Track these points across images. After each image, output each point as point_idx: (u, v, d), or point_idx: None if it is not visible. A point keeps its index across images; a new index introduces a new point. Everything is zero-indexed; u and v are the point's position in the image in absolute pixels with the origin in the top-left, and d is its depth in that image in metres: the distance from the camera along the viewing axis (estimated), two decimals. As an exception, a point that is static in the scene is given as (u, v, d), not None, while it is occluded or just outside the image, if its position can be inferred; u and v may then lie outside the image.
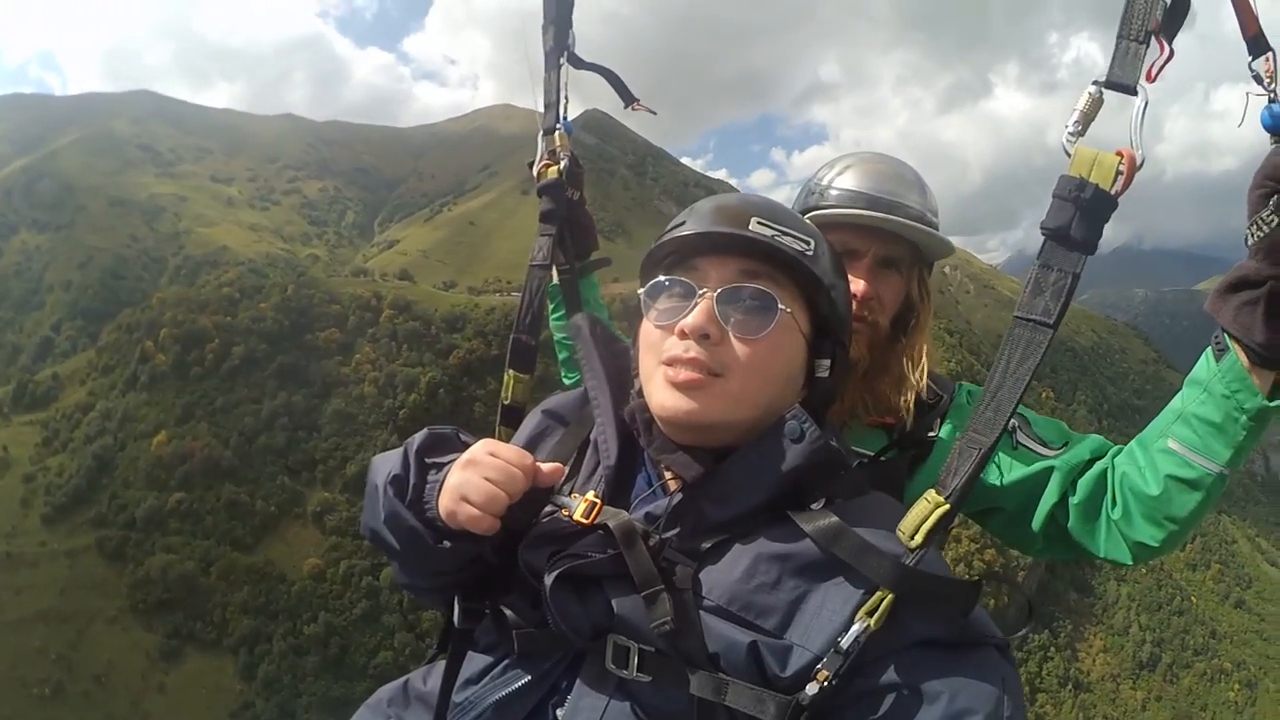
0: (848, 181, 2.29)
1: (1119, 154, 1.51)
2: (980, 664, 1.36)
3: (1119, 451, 2.06)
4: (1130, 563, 2.02)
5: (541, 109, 2.63)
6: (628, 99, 2.86)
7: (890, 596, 1.35)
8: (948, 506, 1.44)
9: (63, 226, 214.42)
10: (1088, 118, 1.56)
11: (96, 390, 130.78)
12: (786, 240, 1.54)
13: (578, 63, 2.64)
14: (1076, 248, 1.50)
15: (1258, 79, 1.59)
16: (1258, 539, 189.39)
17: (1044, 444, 2.15)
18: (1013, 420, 2.01)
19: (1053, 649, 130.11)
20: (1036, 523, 2.10)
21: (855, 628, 1.34)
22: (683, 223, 1.61)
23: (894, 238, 2.25)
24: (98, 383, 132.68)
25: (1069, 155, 1.54)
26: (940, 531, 1.44)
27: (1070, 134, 1.56)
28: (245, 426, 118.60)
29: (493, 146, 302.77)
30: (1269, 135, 1.60)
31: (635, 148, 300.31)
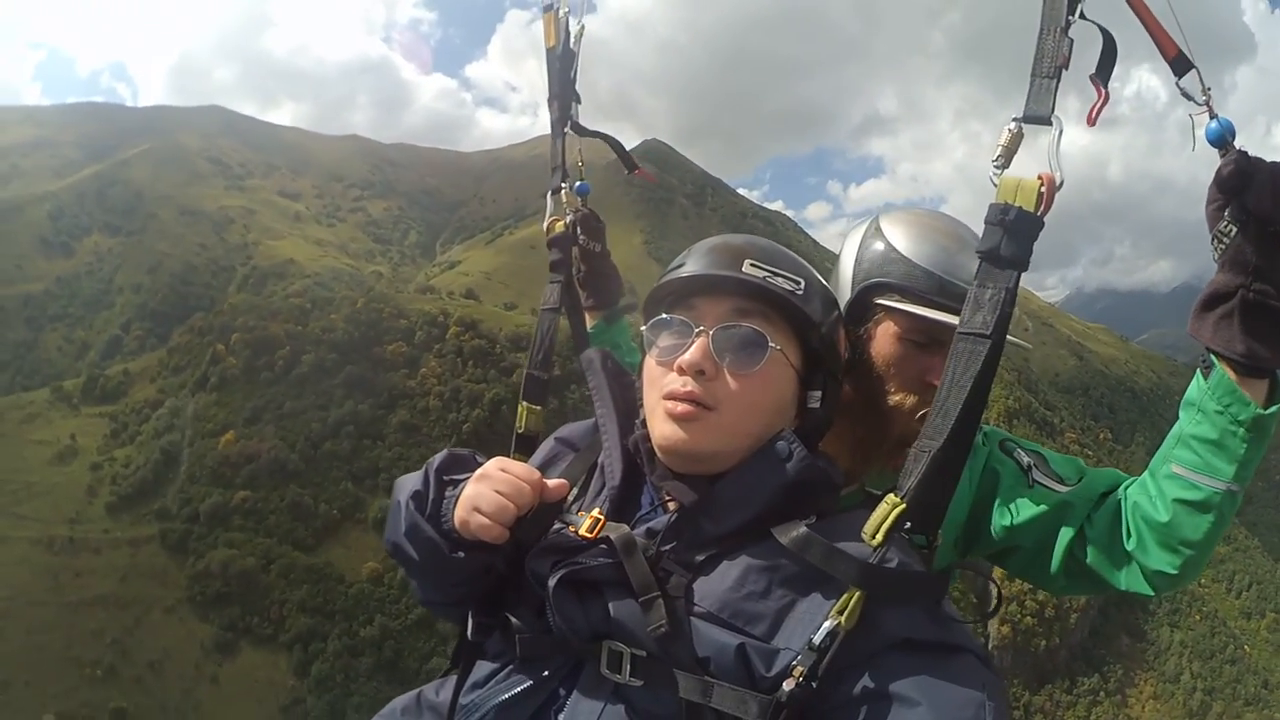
0: (926, 259, 2.20)
1: (1039, 178, 1.59)
2: (962, 670, 1.42)
3: (1132, 483, 2.07)
4: (1151, 593, 2.03)
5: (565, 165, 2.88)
6: (630, 165, 3.21)
7: (858, 594, 1.43)
8: (904, 506, 1.50)
9: (134, 232, 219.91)
10: (1010, 151, 1.64)
11: (166, 388, 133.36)
12: (778, 281, 1.66)
13: (581, 131, 2.85)
14: (1008, 265, 1.58)
15: (1187, 96, 1.67)
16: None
17: (1060, 481, 2.18)
18: (1028, 458, 2.25)
19: (1103, 693, 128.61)
20: (1056, 560, 2.12)
21: (826, 624, 1.42)
22: (682, 264, 1.74)
23: None
24: (168, 381, 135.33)
25: (995, 185, 1.63)
26: (899, 530, 1.50)
27: (995, 167, 1.64)
28: (312, 432, 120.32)
29: None
30: (1216, 150, 1.66)
31: (694, 178, 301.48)
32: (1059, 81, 1.62)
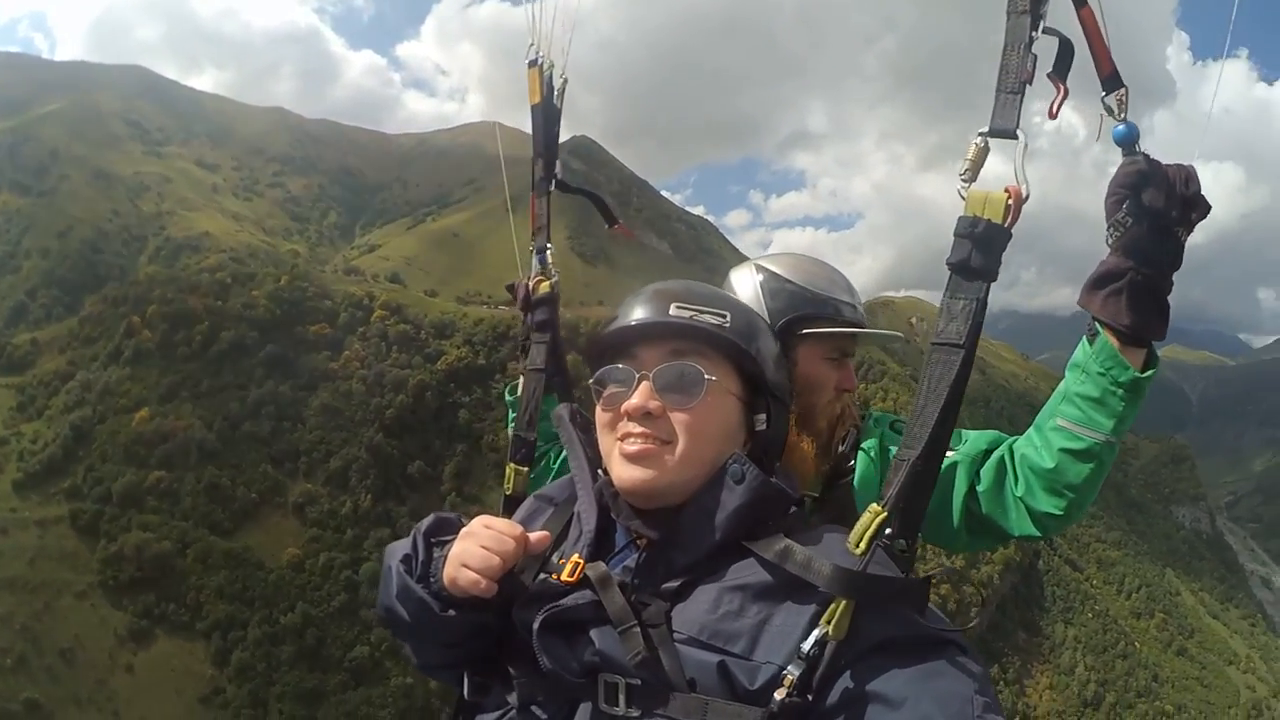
0: (826, 290, 2.63)
1: (1007, 191, 1.67)
2: (947, 664, 1.44)
3: (1015, 439, 2.35)
4: (1040, 534, 2.28)
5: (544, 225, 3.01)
6: (610, 220, 3.45)
7: (845, 602, 1.46)
8: (885, 514, 1.58)
9: (45, 193, 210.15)
10: (976, 165, 1.72)
11: (77, 360, 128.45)
12: (704, 318, 1.75)
13: (565, 188, 3.04)
14: (978, 277, 1.67)
15: (1109, 111, 1.85)
16: (1201, 593, 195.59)
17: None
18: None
19: (1002, 683, 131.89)
20: (955, 517, 2.37)
21: (815, 633, 1.45)
22: (615, 318, 1.84)
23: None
24: (78, 353, 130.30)
25: (963, 199, 1.71)
26: (880, 537, 1.58)
27: (962, 181, 1.73)
28: (230, 411, 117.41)
29: (479, 161, 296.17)
30: (1121, 149, 1.88)
31: (621, 177, 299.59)
32: (1023, 96, 1.71)
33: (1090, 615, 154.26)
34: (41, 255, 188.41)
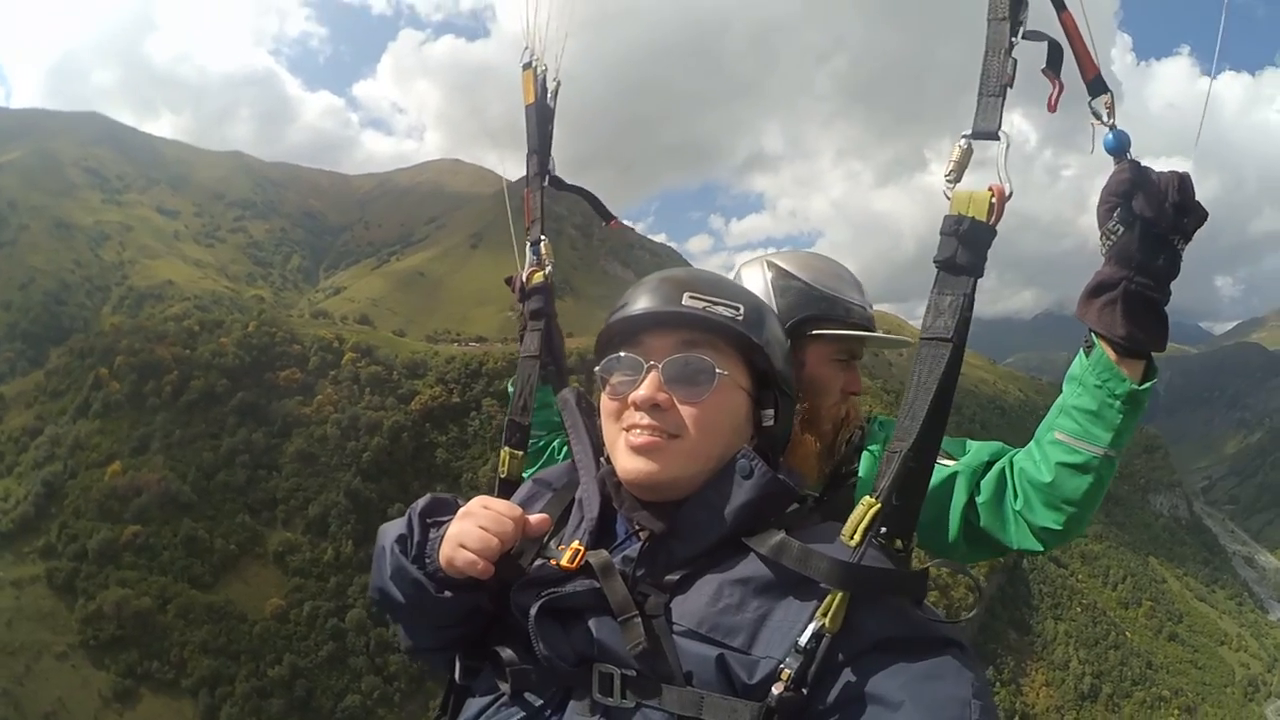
0: (835, 290, 2.63)
1: (990, 189, 1.69)
2: (946, 667, 1.43)
3: (1017, 452, 2.31)
4: (1040, 548, 2.26)
5: (529, 222, 3.10)
6: (605, 216, 3.54)
7: (841, 595, 1.45)
8: (879, 505, 1.56)
9: (4, 244, 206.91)
10: (961, 166, 1.73)
11: (45, 415, 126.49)
12: (718, 309, 1.72)
13: (559, 184, 3.12)
14: (964, 272, 1.67)
15: (1097, 115, 1.84)
16: (1185, 578, 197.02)
17: (949, 457, 2.40)
18: None
19: (998, 684, 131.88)
20: (953, 527, 2.34)
21: (811, 626, 1.44)
22: (625, 304, 1.80)
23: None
24: (46, 407, 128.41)
25: (948, 199, 1.72)
26: (875, 529, 1.56)
27: (948, 182, 1.73)
28: (204, 462, 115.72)
29: (440, 199, 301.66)
30: (1112, 157, 1.86)
31: (582, 209, 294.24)
32: (1004, 99, 1.72)
33: (1079, 609, 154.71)
34: (3, 308, 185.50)
